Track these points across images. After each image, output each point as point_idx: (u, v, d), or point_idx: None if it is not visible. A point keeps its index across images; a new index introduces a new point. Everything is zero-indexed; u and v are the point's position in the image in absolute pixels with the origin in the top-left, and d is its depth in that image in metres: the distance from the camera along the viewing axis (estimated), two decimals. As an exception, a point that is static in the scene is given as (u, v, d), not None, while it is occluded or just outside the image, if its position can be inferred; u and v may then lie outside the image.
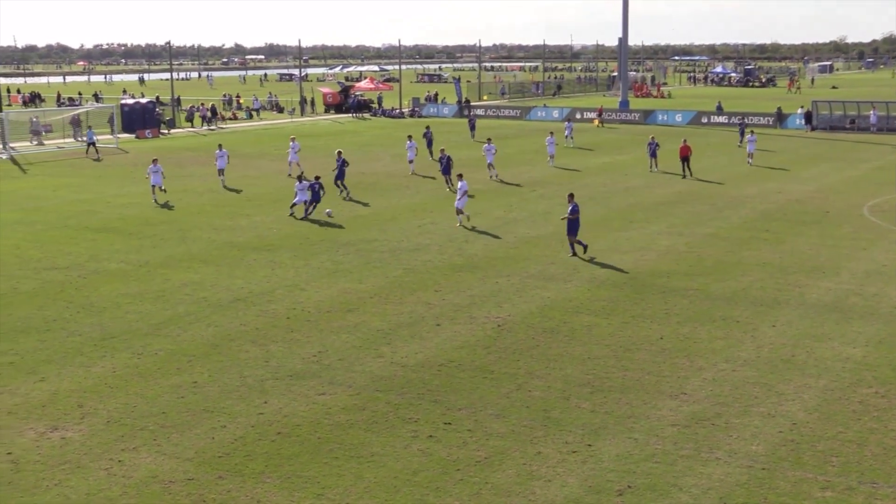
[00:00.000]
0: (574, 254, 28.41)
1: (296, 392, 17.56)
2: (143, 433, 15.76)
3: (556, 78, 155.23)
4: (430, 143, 52.55)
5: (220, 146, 44.37)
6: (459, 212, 33.38)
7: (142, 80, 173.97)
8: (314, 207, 35.15)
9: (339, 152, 41.21)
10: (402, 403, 17.01)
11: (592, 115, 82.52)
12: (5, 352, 19.94)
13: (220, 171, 43.54)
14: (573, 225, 28.34)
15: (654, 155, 48.04)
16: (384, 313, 22.72)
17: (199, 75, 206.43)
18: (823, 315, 22.38)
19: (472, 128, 65.98)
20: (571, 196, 28.79)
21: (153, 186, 38.77)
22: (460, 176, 34.20)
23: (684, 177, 45.28)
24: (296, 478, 14.13)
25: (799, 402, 16.98)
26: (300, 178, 35.68)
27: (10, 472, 14.37)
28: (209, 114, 79.29)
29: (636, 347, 20.09)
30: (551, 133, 48.69)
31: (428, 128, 55.44)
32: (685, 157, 45.76)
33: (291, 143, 46.64)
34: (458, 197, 33.40)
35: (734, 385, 17.82)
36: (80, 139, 63.56)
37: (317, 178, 35.83)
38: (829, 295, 24.14)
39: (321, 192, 35.33)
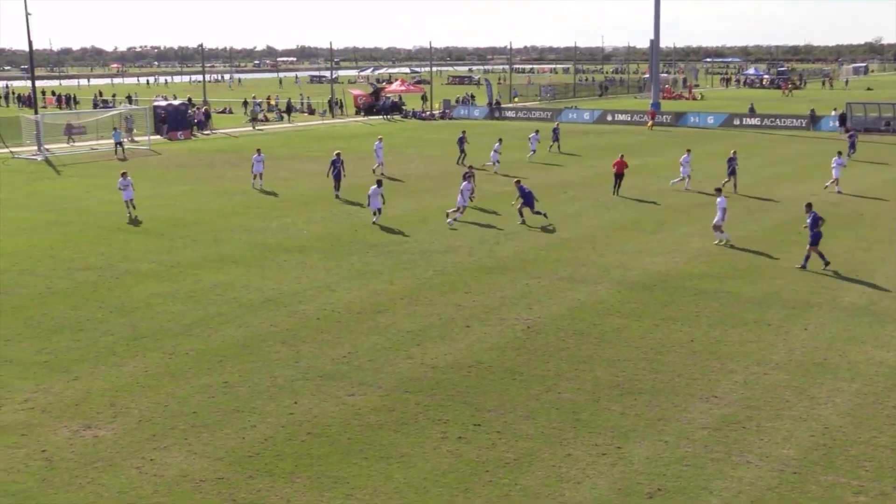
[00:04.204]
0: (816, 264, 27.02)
1: (326, 393, 17.62)
2: (175, 432, 15.88)
3: (590, 80, 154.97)
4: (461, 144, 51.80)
5: (258, 150, 44.61)
6: (717, 229, 30.36)
7: (148, 83, 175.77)
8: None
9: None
10: (431, 405, 17.03)
11: (624, 116, 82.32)
12: (39, 350, 20.17)
13: (257, 175, 43.50)
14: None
15: (733, 173, 41.33)
16: (414, 314, 22.76)
17: (223, 77, 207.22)
18: (856, 318, 22.15)
19: (556, 139, 58.36)
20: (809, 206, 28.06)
21: (127, 202, 35.86)
22: (718, 191, 30.99)
23: (615, 194, 40.38)
24: (325, 478, 14.18)
25: (831, 405, 16.82)
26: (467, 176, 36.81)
27: (44, 470, 14.54)
28: (203, 118, 76.46)
29: (666, 350, 19.98)
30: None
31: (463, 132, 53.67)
32: (619, 174, 40.49)
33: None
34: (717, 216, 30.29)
35: (765, 388, 17.68)
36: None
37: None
38: (862, 298, 23.88)
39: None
